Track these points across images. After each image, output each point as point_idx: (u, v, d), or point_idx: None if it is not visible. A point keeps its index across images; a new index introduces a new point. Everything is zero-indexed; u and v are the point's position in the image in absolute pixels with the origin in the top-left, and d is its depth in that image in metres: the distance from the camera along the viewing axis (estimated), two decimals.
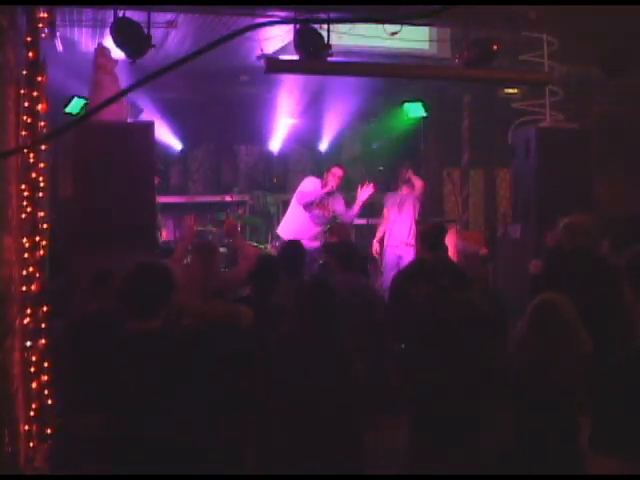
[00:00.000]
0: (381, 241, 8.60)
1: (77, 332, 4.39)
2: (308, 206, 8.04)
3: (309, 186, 8.20)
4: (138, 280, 3.04)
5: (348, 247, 5.70)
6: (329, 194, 8.10)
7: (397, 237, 8.39)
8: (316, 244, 7.89)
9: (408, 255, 8.25)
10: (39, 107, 4.84)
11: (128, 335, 3.02)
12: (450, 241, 9.35)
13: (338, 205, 8.24)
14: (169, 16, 7.19)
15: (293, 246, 5.23)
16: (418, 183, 8.53)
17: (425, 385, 3.77)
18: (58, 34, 7.09)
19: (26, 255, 4.67)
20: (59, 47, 7.49)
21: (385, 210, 8.72)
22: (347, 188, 10.82)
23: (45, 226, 4.95)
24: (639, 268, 2.56)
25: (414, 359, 3.86)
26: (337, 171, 8.20)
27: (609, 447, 2.20)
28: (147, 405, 2.93)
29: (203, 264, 5.20)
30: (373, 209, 10.81)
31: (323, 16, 6.28)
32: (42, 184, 4.89)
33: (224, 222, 8.11)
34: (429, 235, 5.34)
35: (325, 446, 3.52)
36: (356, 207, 8.26)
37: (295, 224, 8.05)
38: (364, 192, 8.21)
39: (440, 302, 3.96)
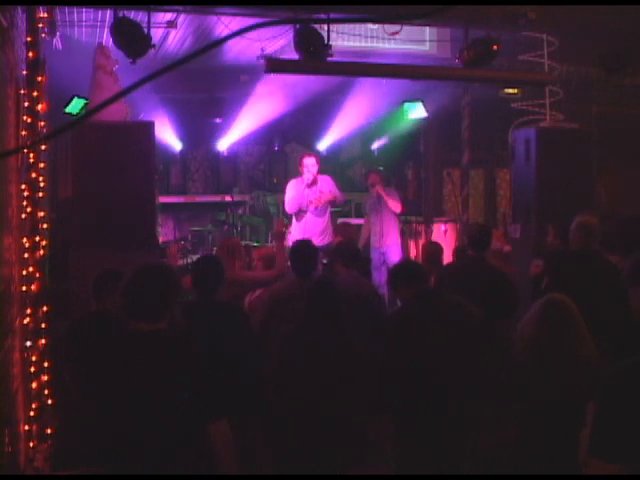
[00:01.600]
0: (367, 240, 8.72)
1: (80, 332, 4.37)
2: (300, 211, 7.94)
3: (290, 191, 7.99)
4: (145, 282, 3.01)
5: (351, 247, 5.72)
6: (312, 185, 7.86)
7: (379, 238, 8.44)
8: (325, 241, 7.86)
9: (393, 254, 8.37)
10: (39, 107, 4.85)
11: (132, 336, 3.01)
12: (453, 239, 9.42)
13: (327, 186, 8.00)
14: (169, 16, 7.20)
15: (305, 245, 5.21)
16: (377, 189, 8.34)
17: (416, 385, 3.77)
18: (58, 33, 7.10)
19: (26, 255, 4.67)
20: (59, 46, 7.49)
21: (366, 214, 8.97)
22: (347, 188, 10.84)
23: (45, 226, 4.95)
24: None
25: (405, 360, 3.85)
26: (307, 161, 7.90)
27: (610, 448, 2.20)
28: (147, 406, 2.92)
29: (230, 260, 5.27)
30: None
31: (323, 16, 6.27)
32: (42, 184, 4.89)
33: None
34: (471, 236, 5.46)
35: (327, 444, 3.52)
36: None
37: (300, 224, 8.03)
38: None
39: (426, 305, 3.95)
